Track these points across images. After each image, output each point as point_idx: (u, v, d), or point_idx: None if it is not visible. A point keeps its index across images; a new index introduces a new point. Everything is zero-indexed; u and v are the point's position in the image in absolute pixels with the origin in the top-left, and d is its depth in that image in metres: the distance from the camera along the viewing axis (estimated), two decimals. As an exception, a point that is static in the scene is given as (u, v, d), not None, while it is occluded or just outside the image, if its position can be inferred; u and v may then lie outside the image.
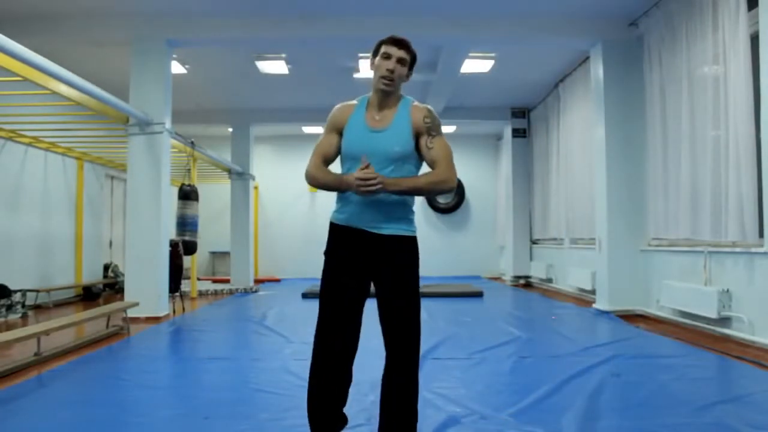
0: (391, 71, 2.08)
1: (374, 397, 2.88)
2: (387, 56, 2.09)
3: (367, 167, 1.98)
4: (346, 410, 2.26)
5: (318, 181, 2.14)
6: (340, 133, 2.17)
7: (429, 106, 2.18)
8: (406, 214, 2.16)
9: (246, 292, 9.55)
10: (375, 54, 2.15)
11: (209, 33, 6.49)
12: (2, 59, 4.05)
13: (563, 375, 3.48)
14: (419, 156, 2.15)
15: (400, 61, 2.10)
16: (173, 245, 6.66)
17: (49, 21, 6.22)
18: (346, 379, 2.19)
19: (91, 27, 6.33)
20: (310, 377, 2.17)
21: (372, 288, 2.18)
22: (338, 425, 2.22)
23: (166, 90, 6.45)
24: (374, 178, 1.96)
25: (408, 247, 2.14)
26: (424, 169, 2.17)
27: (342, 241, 2.16)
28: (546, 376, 3.46)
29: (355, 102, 2.20)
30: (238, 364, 4.05)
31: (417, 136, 2.11)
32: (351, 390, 2.23)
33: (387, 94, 2.13)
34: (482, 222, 13.04)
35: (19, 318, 6.47)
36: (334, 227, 2.20)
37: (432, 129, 2.11)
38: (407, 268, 2.13)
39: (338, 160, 2.21)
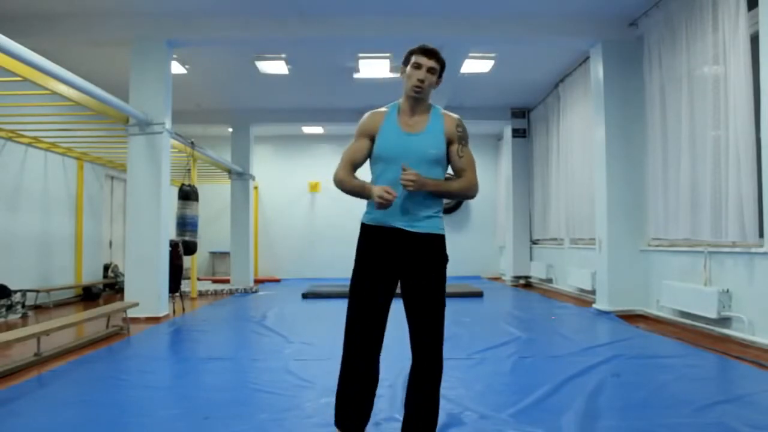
0: (422, 81, 2.15)
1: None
2: (417, 66, 2.16)
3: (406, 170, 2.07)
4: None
5: (345, 186, 2.21)
6: (372, 139, 2.22)
7: (459, 117, 2.27)
8: (437, 214, 2.22)
9: (246, 292, 9.54)
10: (406, 62, 2.21)
11: (209, 33, 6.49)
12: (2, 59, 4.04)
13: (563, 375, 3.48)
14: (447, 161, 2.24)
15: (430, 70, 2.17)
16: (173, 245, 6.67)
17: (49, 21, 6.21)
18: (374, 379, 2.23)
19: (91, 27, 6.33)
20: (341, 378, 2.22)
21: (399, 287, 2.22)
22: (364, 424, 2.26)
23: (166, 90, 6.45)
24: (414, 174, 2.04)
25: (438, 246, 2.20)
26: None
27: (374, 241, 2.20)
28: (546, 376, 3.46)
29: (385, 109, 2.26)
30: (237, 364, 4.06)
31: (448, 143, 2.21)
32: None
33: (418, 101, 2.21)
34: (482, 222, 13.03)
35: (19, 318, 6.47)
36: (366, 228, 2.23)
37: (463, 138, 2.24)
38: (437, 270, 2.18)
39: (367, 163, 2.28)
